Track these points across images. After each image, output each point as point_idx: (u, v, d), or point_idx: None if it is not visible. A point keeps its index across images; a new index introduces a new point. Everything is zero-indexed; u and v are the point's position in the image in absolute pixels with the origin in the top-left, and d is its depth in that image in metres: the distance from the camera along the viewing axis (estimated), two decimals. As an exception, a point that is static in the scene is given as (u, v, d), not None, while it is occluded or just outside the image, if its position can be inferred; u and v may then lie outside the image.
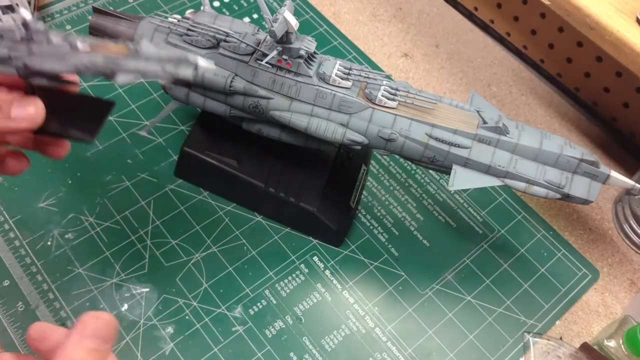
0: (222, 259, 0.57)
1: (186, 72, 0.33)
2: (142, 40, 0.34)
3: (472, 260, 0.59)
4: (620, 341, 0.51)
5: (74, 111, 0.37)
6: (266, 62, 0.47)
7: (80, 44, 0.33)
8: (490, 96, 0.72)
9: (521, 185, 0.48)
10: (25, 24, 0.32)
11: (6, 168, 0.39)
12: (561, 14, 0.58)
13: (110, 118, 0.64)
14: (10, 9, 0.68)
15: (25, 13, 0.32)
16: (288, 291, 0.56)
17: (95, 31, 0.52)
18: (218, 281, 0.55)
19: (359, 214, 0.61)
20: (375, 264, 0.58)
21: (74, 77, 0.36)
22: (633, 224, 0.61)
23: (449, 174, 0.49)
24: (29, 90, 0.36)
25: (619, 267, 0.61)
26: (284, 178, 0.56)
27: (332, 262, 0.58)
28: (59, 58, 0.33)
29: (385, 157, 0.65)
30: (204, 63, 0.34)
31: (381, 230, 0.60)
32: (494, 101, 0.72)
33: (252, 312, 0.54)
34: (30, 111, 0.34)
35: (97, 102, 0.38)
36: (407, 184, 0.64)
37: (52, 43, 0.33)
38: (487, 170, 0.48)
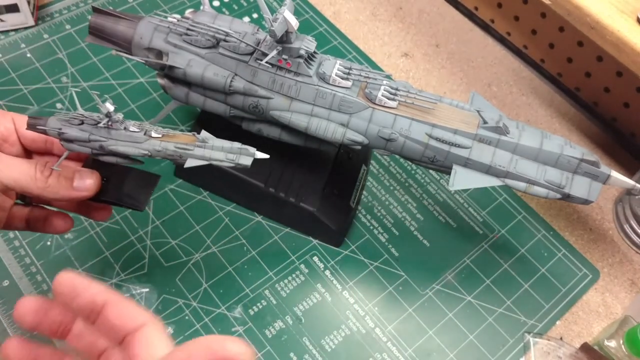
0: (222, 259, 0.57)
1: (246, 161, 0.39)
2: (209, 137, 0.39)
3: (473, 261, 0.59)
4: (621, 341, 0.51)
5: (124, 182, 0.43)
6: (266, 62, 0.47)
7: (154, 133, 0.39)
8: (490, 96, 0.72)
9: (521, 185, 0.48)
10: (108, 114, 0.37)
11: (52, 227, 0.43)
12: (562, 14, 0.58)
13: (110, 118, 0.64)
14: (11, 8, 0.68)
15: (110, 106, 0.37)
16: (288, 291, 0.56)
17: (94, 31, 0.52)
18: (218, 281, 0.55)
19: (359, 214, 0.61)
20: (376, 264, 0.58)
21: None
22: (633, 224, 0.61)
23: (449, 174, 0.49)
24: (88, 163, 0.42)
25: (619, 267, 0.60)
26: (284, 178, 0.56)
27: (332, 262, 0.58)
28: (135, 143, 0.38)
29: (385, 157, 0.65)
30: (261, 155, 0.39)
31: (381, 230, 0.60)
32: (495, 101, 0.72)
33: (252, 313, 0.54)
34: (89, 183, 0.40)
35: (145, 175, 0.44)
36: (407, 184, 0.64)
37: (129, 130, 0.38)
38: (488, 170, 0.48)
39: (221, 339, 0.28)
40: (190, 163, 0.38)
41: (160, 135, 0.39)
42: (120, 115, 0.38)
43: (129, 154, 0.39)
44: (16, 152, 0.41)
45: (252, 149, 0.39)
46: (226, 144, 0.39)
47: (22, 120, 0.41)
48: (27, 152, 0.43)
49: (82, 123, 0.39)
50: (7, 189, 0.38)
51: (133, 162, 0.40)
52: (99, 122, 0.38)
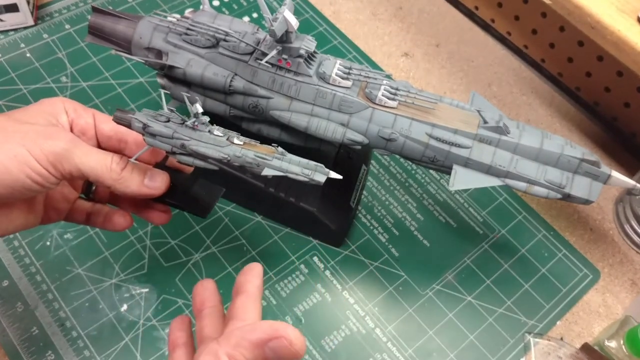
0: (222, 259, 0.56)
1: (320, 178, 0.40)
2: (285, 152, 0.40)
3: (473, 261, 0.59)
4: (621, 341, 0.51)
5: (190, 189, 0.44)
6: (266, 62, 0.47)
7: (236, 139, 0.40)
8: (490, 96, 0.72)
9: (522, 185, 0.48)
10: (196, 115, 0.39)
11: (112, 224, 0.45)
12: (562, 13, 0.58)
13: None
14: (11, 8, 0.68)
15: (199, 107, 0.39)
16: (288, 291, 0.56)
17: (94, 30, 0.52)
18: (218, 282, 0.55)
19: (359, 214, 0.61)
20: (376, 264, 0.58)
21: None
22: (634, 224, 0.61)
23: (449, 174, 0.48)
24: (159, 165, 0.44)
25: (619, 267, 0.60)
26: (284, 178, 0.56)
27: (332, 263, 0.58)
28: (216, 146, 0.39)
29: (385, 157, 0.65)
30: (335, 175, 0.41)
31: (381, 231, 0.60)
32: (495, 101, 0.72)
33: (251, 313, 0.54)
34: (159, 182, 0.41)
35: (209, 186, 0.46)
36: (407, 184, 0.63)
37: (213, 134, 0.40)
38: (488, 170, 0.48)
39: (285, 325, 0.33)
40: (267, 172, 0.39)
41: (241, 143, 0.40)
42: (206, 118, 0.40)
43: (210, 156, 0.39)
44: (91, 146, 0.42)
45: (326, 169, 0.40)
46: (302, 159, 0.40)
47: (101, 117, 0.43)
48: (100, 148, 0.44)
49: (168, 121, 0.40)
50: (82, 176, 0.38)
51: (208, 166, 0.41)
52: (184, 122, 0.40)
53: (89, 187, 0.46)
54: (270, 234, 0.58)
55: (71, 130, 0.41)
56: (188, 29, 0.49)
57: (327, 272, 0.57)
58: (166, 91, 0.44)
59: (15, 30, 0.70)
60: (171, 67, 0.49)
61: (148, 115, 0.40)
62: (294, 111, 0.49)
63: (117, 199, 0.46)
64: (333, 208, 0.56)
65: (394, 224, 0.61)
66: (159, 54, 0.50)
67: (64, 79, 0.67)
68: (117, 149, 0.44)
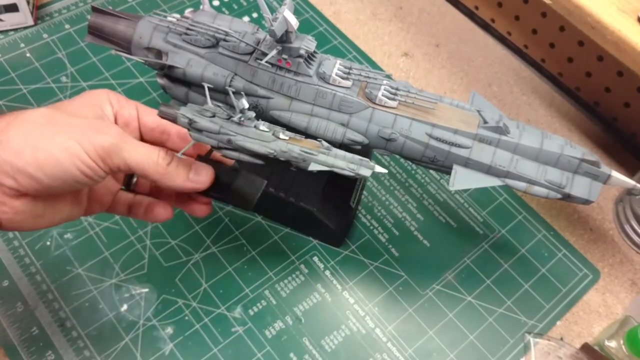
0: (222, 259, 0.56)
1: (366, 173, 0.40)
2: (330, 147, 0.40)
3: (473, 261, 0.59)
4: (621, 341, 0.51)
5: (233, 182, 0.44)
6: (266, 62, 0.47)
7: (282, 135, 0.40)
8: (491, 96, 0.72)
9: (522, 185, 0.48)
10: (242, 110, 0.39)
11: (154, 215, 0.45)
12: (562, 13, 0.58)
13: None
14: (11, 8, 0.68)
15: (245, 102, 0.39)
16: (288, 291, 0.56)
17: (94, 30, 0.52)
18: (218, 281, 0.55)
19: (359, 214, 0.61)
20: (376, 264, 0.58)
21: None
22: (634, 224, 0.61)
23: (449, 174, 0.48)
24: (203, 158, 0.44)
25: (619, 267, 0.60)
26: (285, 178, 0.56)
27: (332, 263, 0.58)
28: (263, 142, 0.40)
29: (385, 157, 0.65)
30: (380, 169, 0.41)
31: (381, 231, 0.60)
32: (495, 101, 0.72)
33: (251, 313, 0.54)
34: (204, 176, 0.42)
35: (252, 178, 0.45)
36: (407, 184, 0.63)
37: (259, 129, 0.40)
38: (488, 170, 0.48)
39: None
40: (313, 167, 0.40)
41: (287, 138, 0.40)
42: (252, 114, 0.40)
43: (256, 151, 0.40)
44: (134, 138, 0.43)
45: (371, 162, 0.40)
46: (347, 154, 0.40)
47: (144, 110, 0.44)
48: (143, 141, 0.44)
49: (214, 116, 0.40)
50: (129, 170, 0.39)
51: (254, 160, 0.41)
52: (231, 117, 0.40)
53: (129, 180, 0.46)
54: (270, 234, 0.58)
55: (115, 121, 0.42)
56: (188, 28, 0.49)
57: (327, 272, 0.57)
58: (209, 85, 0.44)
59: (15, 30, 0.70)
60: (171, 67, 0.49)
61: (194, 110, 0.40)
62: (294, 111, 0.49)
63: (157, 191, 0.47)
64: (333, 208, 0.56)
65: (394, 224, 0.61)
66: (159, 53, 0.50)
67: (64, 79, 0.67)
68: (159, 141, 0.44)
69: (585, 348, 0.53)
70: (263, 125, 0.40)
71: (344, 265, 0.57)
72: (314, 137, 0.49)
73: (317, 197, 0.56)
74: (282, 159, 0.40)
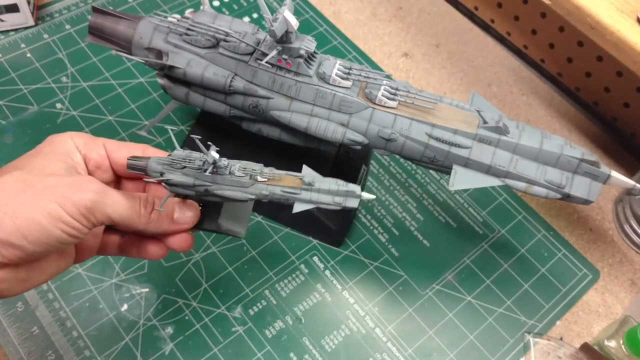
0: (222, 259, 0.57)
1: (353, 204, 0.38)
2: (314, 177, 0.38)
3: (473, 261, 0.59)
4: (621, 341, 0.51)
5: (221, 209, 0.42)
6: (266, 62, 0.47)
7: (260, 177, 0.38)
8: (490, 96, 0.72)
9: (522, 185, 0.48)
10: (214, 162, 0.37)
11: (148, 254, 0.43)
12: (562, 14, 0.58)
13: (110, 118, 0.64)
14: (11, 8, 0.68)
15: (215, 154, 0.37)
16: (288, 291, 0.56)
17: (94, 30, 0.52)
18: (218, 281, 0.55)
19: (359, 214, 0.61)
20: (376, 264, 0.58)
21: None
22: (633, 224, 0.61)
23: (449, 174, 0.49)
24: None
25: (619, 267, 0.60)
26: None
27: (332, 262, 0.58)
28: (241, 187, 0.38)
29: (385, 157, 0.65)
30: (368, 196, 0.39)
31: (381, 230, 0.60)
32: (495, 101, 0.72)
33: (252, 313, 0.54)
34: (189, 215, 0.41)
35: (240, 204, 0.43)
36: (407, 184, 0.64)
37: (235, 175, 0.38)
38: (488, 170, 0.48)
39: None
40: (297, 208, 0.38)
41: (265, 179, 0.38)
42: (225, 161, 0.38)
43: (236, 198, 0.39)
44: (108, 178, 0.42)
45: (357, 190, 0.39)
46: (332, 185, 0.38)
47: (112, 145, 0.42)
48: (117, 178, 0.43)
49: (184, 167, 0.38)
50: (112, 224, 0.38)
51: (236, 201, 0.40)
52: (202, 167, 0.38)
53: None
54: (270, 234, 0.59)
55: (86, 166, 0.41)
56: (188, 29, 0.49)
57: (327, 272, 0.57)
58: (173, 128, 0.43)
59: (15, 30, 0.70)
60: (171, 67, 0.49)
61: (162, 164, 0.39)
62: (294, 111, 0.49)
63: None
64: (333, 208, 0.56)
65: (394, 224, 0.61)
66: (159, 54, 0.50)
67: (64, 79, 0.67)
68: (135, 175, 0.43)
69: (585, 348, 0.53)
70: (239, 171, 0.38)
71: (344, 265, 0.58)
72: (314, 137, 0.49)
73: (317, 197, 0.56)
74: (265, 200, 0.39)
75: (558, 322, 0.56)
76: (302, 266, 0.57)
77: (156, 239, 0.42)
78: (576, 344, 0.54)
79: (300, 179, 0.38)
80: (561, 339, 0.55)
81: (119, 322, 0.52)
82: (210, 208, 0.42)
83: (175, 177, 0.38)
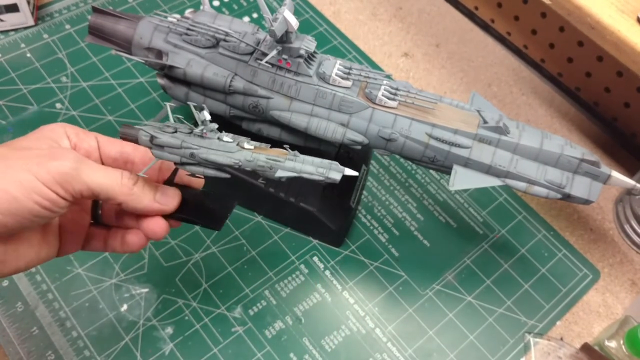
0: (222, 259, 0.57)
1: (336, 176, 0.39)
2: (298, 153, 0.39)
3: (473, 261, 0.59)
4: (621, 341, 0.51)
5: (202, 203, 0.43)
6: (266, 62, 0.47)
7: (247, 144, 0.39)
8: (490, 96, 0.72)
9: (522, 185, 0.48)
10: (204, 122, 0.38)
11: (129, 245, 0.42)
12: (562, 14, 0.58)
13: (110, 118, 0.64)
14: (11, 8, 0.68)
15: (207, 114, 0.37)
16: (288, 292, 0.56)
17: (94, 30, 0.52)
18: (218, 281, 0.55)
19: (359, 214, 0.61)
20: (376, 264, 0.58)
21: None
22: (634, 224, 0.61)
23: (449, 174, 0.48)
24: (168, 182, 0.42)
25: (619, 267, 0.60)
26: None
27: (332, 263, 0.58)
28: (227, 152, 0.38)
29: (385, 157, 0.65)
30: (351, 172, 0.39)
31: (381, 231, 0.60)
32: (495, 101, 0.72)
33: (251, 313, 0.54)
34: (171, 197, 0.40)
35: (222, 199, 0.44)
36: (407, 184, 0.63)
37: (223, 141, 0.39)
38: (488, 170, 0.48)
39: None
40: (280, 174, 0.39)
41: (252, 147, 0.39)
42: (214, 125, 0.39)
43: (220, 162, 0.39)
44: None
45: (341, 166, 0.39)
46: (316, 159, 0.39)
47: (104, 140, 0.42)
48: (108, 166, 0.42)
49: (176, 132, 0.39)
50: (92, 195, 0.37)
51: (219, 174, 0.40)
52: (192, 131, 0.39)
53: (95, 212, 0.44)
54: (270, 234, 0.58)
55: None
56: (188, 29, 0.49)
57: (327, 272, 0.57)
58: (172, 104, 0.43)
59: (15, 30, 0.70)
60: (171, 67, 0.49)
61: (155, 128, 0.39)
62: (294, 111, 0.49)
63: (123, 220, 0.43)
64: (333, 208, 0.56)
65: (394, 224, 0.61)
66: (159, 54, 0.50)
67: (64, 79, 0.67)
68: (124, 166, 0.42)
69: (585, 348, 0.53)
70: (226, 136, 0.39)
71: (344, 265, 0.58)
72: (314, 137, 0.49)
73: (317, 198, 0.56)
74: (247, 168, 0.39)
75: (558, 322, 0.56)
76: (302, 266, 0.57)
77: (136, 230, 0.42)
78: (576, 344, 0.54)
79: (286, 149, 0.39)
80: (561, 339, 0.55)
81: (118, 322, 0.52)
82: (190, 200, 0.42)
83: (165, 137, 0.38)
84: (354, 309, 0.55)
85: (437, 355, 0.53)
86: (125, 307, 0.53)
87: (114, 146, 0.41)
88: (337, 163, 0.39)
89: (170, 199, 0.40)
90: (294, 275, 0.57)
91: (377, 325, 0.55)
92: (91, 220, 0.43)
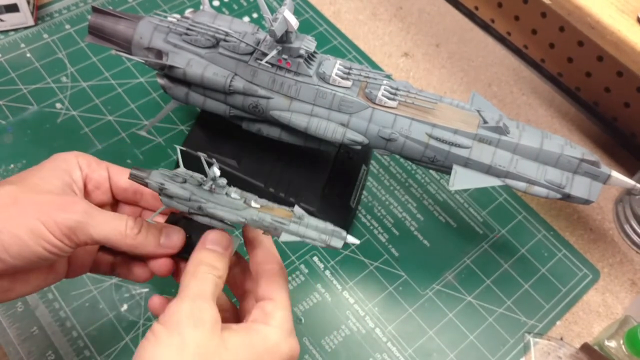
0: (222, 259, 0.56)
1: (337, 244, 0.39)
2: (303, 214, 0.39)
3: (473, 261, 0.59)
4: (621, 341, 0.51)
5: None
6: (266, 62, 0.47)
7: (254, 203, 0.39)
8: (490, 96, 0.72)
9: (522, 185, 0.48)
10: (214, 178, 0.38)
11: (134, 275, 0.43)
12: (562, 14, 0.58)
13: (110, 118, 0.64)
14: (11, 8, 0.68)
15: (216, 170, 0.38)
16: (288, 291, 0.56)
17: (94, 30, 0.52)
18: (218, 281, 0.55)
19: (359, 214, 0.61)
20: (376, 264, 0.58)
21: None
22: (634, 224, 0.61)
23: (449, 174, 0.48)
24: (171, 219, 0.43)
25: (619, 267, 0.60)
26: (284, 178, 0.56)
27: (332, 263, 0.58)
28: (234, 210, 0.39)
29: (385, 157, 0.65)
30: (353, 240, 0.39)
31: (381, 231, 0.60)
32: (495, 101, 0.72)
33: (251, 313, 0.54)
34: (175, 240, 0.41)
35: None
36: (407, 184, 0.63)
37: (231, 196, 0.39)
38: (488, 170, 0.48)
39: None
40: (284, 237, 0.39)
41: (259, 206, 0.39)
42: (224, 181, 0.39)
43: (227, 219, 0.39)
44: (106, 199, 0.43)
45: (343, 233, 0.40)
46: (320, 223, 0.39)
47: (115, 170, 0.43)
48: (115, 201, 0.44)
49: (185, 182, 0.39)
50: (97, 244, 0.39)
51: (225, 227, 0.40)
52: (202, 184, 0.39)
53: None
54: (270, 234, 0.58)
55: (85, 185, 0.41)
56: (188, 29, 0.49)
57: (327, 272, 0.57)
58: (181, 148, 0.43)
59: (15, 30, 0.70)
60: (171, 67, 0.49)
61: (165, 176, 0.40)
62: (294, 111, 0.49)
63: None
64: (333, 208, 0.56)
65: (394, 224, 0.61)
66: (159, 54, 0.50)
67: (64, 79, 0.67)
68: (132, 201, 0.44)
69: (585, 348, 0.53)
70: (234, 193, 0.39)
71: (344, 265, 0.57)
72: (314, 137, 0.49)
73: (317, 197, 0.56)
74: (254, 227, 0.39)
75: (558, 322, 0.56)
76: (302, 266, 0.57)
77: (143, 262, 0.43)
78: (576, 344, 0.54)
79: (292, 212, 0.39)
80: (561, 339, 0.55)
81: (118, 322, 0.52)
82: (195, 239, 0.42)
83: (174, 188, 0.39)
84: (354, 309, 0.55)
85: (437, 355, 0.54)
86: (125, 307, 0.53)
87: (124, 176, 0.42)
88: (339, 230, 0.40)
89: (175, 242, 0.41)
90: (294, 275, 0.57)
91: (377, 325, 0.55)
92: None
